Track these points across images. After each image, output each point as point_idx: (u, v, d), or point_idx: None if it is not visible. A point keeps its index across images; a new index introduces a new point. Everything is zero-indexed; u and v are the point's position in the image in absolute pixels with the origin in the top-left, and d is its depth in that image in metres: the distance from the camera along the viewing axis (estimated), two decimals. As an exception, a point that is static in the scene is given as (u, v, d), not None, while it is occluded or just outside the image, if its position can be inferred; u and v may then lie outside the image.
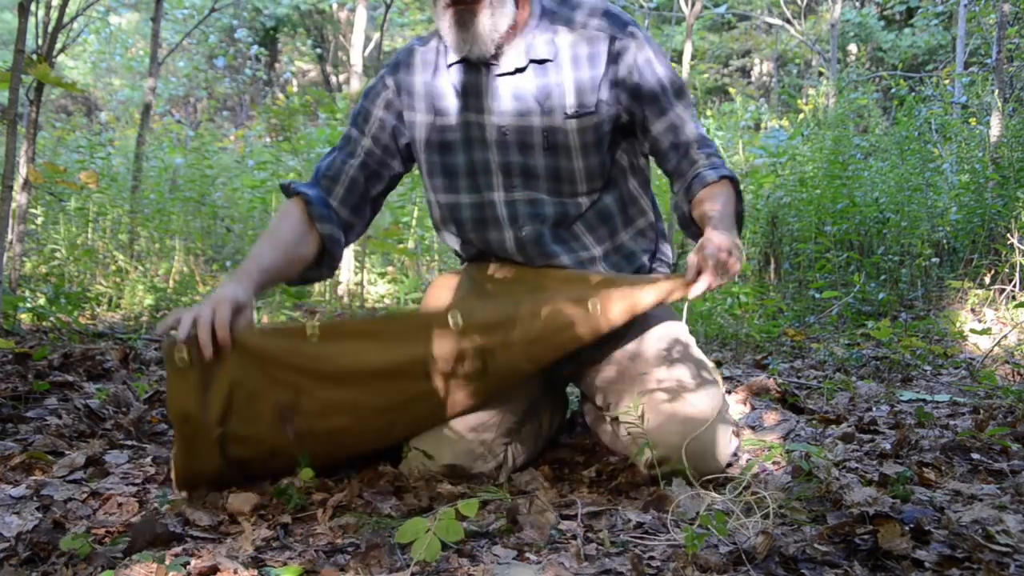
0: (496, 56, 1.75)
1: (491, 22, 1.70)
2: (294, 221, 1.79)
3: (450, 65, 1.80)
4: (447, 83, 1.81)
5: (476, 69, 1.77)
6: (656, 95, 1.77)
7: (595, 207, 1.82)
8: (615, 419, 1.77)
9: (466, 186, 1.82)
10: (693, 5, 5.85)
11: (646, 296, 1.64)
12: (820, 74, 11.31)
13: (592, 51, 1.75)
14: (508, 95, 1.76)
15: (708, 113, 9.05)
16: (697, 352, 1.79)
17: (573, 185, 1.79)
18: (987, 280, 4.26)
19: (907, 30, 12.54)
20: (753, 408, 2.28)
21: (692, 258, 1.57)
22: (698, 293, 1.57)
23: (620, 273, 1.83)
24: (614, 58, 1.76)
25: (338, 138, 2.37)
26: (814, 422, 2.21)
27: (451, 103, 1.80)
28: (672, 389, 1.68)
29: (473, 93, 1.78)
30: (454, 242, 1.93)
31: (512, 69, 1.75)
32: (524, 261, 1.82)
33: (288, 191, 1.85)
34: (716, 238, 1.57)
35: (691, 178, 1.77)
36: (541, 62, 1.75)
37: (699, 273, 1.56)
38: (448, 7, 1.70)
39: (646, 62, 1.77)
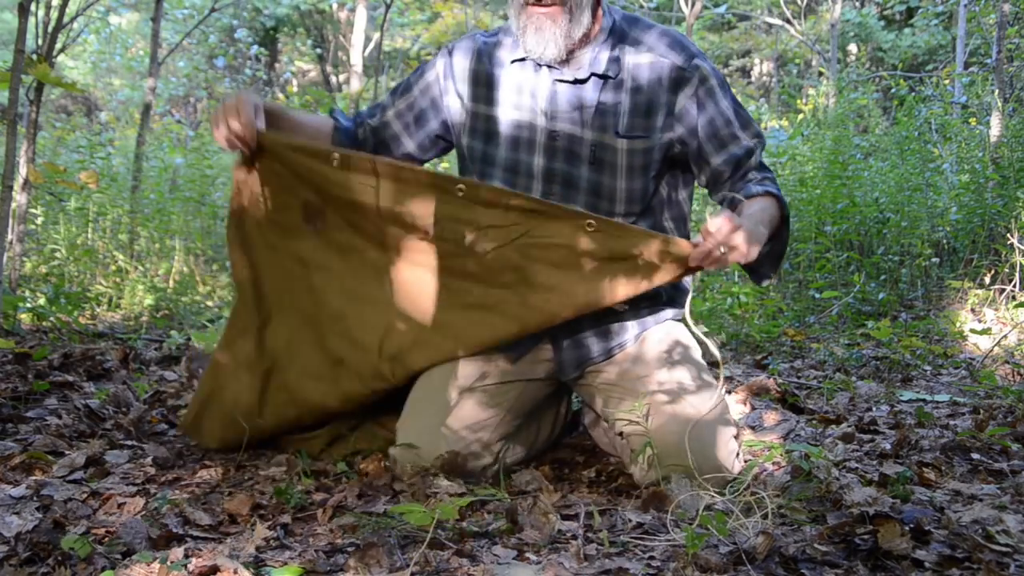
0: (561, 62, 1.75)
1: (566, 28, 1.70)
2: (321, 124, 1.92)
3: (513, 61, 1.80)
4: (505, 77, 1.80)
5: (537, 71, 1.77)
6: (717, 128, 1.75)
7: None
8: (619, 433, 1.77)
9: (501, 179, 1.80)
10: (693, 5, 5.85)
11: (644, 239, 1.58)
12: (820, 74, 11.30)
13: (654, 76, 1.73)
14: (564, 102, 1.75)
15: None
16: (697, 355, 1.79)
17: (612, 204, 1.76)
18: (987, 280, 4.26)
19: (907, 30, 12.52)
20: (753, 408, 2.28)
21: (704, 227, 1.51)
22: (696, 258, 1.52)
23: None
24: (676, 87, 1.73)
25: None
26: (814, 422, 2.21)
27: (505, 97, 1.80)
28: (673, 391, 1.69)
29: (529, 93, 1.78)
30: None
31: (572, 79, 1.74)
32: None
33: (331, 113, 1.98)
34: (731, 218, 1.51)
35: (736, 191, 1.73)
36: (603, 77, 1.74)
37: (706, 240, 1.50)
38: (527, 6, 1.70)
39: (708, 95, 1.75)
